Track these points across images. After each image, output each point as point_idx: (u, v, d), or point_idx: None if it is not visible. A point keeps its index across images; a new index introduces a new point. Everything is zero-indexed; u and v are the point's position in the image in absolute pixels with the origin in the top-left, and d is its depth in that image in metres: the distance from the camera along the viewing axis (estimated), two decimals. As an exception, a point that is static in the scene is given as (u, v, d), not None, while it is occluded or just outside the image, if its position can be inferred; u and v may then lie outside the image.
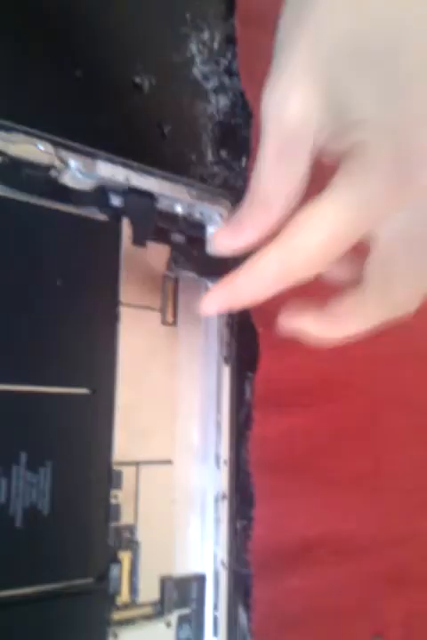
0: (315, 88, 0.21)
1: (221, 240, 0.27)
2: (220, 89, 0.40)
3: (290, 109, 0.22)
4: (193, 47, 0.39)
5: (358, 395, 0.46)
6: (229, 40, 0.41)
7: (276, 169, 0.24)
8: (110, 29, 0.36)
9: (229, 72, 0.41)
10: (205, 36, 0.40)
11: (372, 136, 0.21)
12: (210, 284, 0.37)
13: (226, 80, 0.40)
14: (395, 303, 0.27)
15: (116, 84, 0.35)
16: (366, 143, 0.21)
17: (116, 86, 0.35)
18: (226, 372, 0.36)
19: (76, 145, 0.31)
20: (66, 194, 0.31)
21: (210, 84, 0.39)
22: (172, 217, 0.35)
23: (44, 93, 0.32)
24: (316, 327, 0.28)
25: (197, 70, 0.39)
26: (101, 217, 0.33)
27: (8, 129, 0.29)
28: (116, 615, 0.30)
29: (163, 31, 0.38)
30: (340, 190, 0.22)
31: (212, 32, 0.40)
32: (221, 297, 0.26)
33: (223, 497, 0.35)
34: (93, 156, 0.32)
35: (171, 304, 0.35)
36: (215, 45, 0.40)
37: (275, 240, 0.23)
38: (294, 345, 0.42)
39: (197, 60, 0.39)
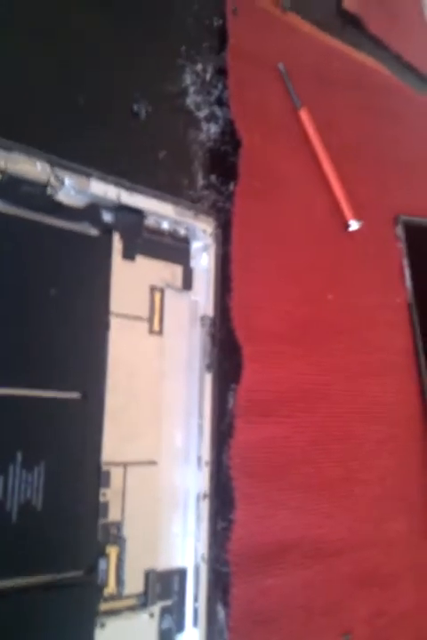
0: None
1: None
2: (211, 118, 0.43)
3: None
4: (187, 78, 0.42)
5: (333, 407, 0.48)
6: (221, 72, 0.44)
7: None
8: (111, 60, 0.38)
9: (220, 102, 0.44)
10: (199, 67, 0.43)
11: None
12: (193, 297, 0.39)
13: (217, 109, 0.43)
14: None
15: (116, 111, 0.38)
16: None
17: (115, 113, 0.38)
18: (208, 379, 0.39)
19: (72, 164, 0.33)
20: (60, 210, 0.34)
21: (202, 113, 0.42)
22: (158, 232, 0.38)
23: (48, 116, 0.34)
24: None
25: (191, 100, 0.42)
26: (94, 232, 0.35)
27: (8, 148, 0.31)
28: (104, 606, 0.32)
29: (160, 62, 0.40)
30: None
31: (205, 64, 0.43)
32: None
33: (204, 496, 0.37)
34: (87, 175, 0.34)
35: (157, 314, 0.38)
36: (208, 77, 0.43)
37: None
38: (275, 359, 0.45)
39: (191, 90, 0.42)
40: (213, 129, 0.43)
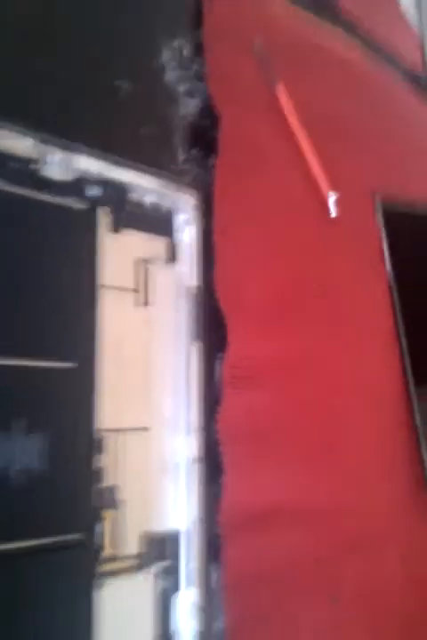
0: None
1: None
2: (190, 93, 0.44)
3: None
4: (166, 54, 0.43)
5: (316, 377, 0.49)
6: (199, 48, 0.45)
7: None
8: (94, 37, 0.39)
9: (199, 77, 0.45)
10: (177, 44, 0.44)
11: None
12: (178, 269, 0.40)
13: (196, 84, 0.44)
14: None
15: (99, 86, 0.38)
16: None
17: (99, 89, 0.38)
18: (195, 348, 0.40)
19: (57, 140, 0.34)
20: (47, 185, 0.34)
21: (181, 88, 0.43)
22: (143, 206, 0.39)
23: (33, 92, 0.35)
24: None
25: (170, 75, 0.43)
26: (79, 206, 0.36)
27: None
28: (102, 567, 0.33)
29: (139, 39, 0.41)
30: None
31: (182, 40, 0.44)
32: None
33: (195, 461, 0.38)
34: (72, 150, 0.35)
35: (144, 286, 0.39)
36: (186, 53, 0.44)
37: None
38: (259, 331, 0.46)
39: (170, 66, 0.43)
40: (193, 104, 0.44)
